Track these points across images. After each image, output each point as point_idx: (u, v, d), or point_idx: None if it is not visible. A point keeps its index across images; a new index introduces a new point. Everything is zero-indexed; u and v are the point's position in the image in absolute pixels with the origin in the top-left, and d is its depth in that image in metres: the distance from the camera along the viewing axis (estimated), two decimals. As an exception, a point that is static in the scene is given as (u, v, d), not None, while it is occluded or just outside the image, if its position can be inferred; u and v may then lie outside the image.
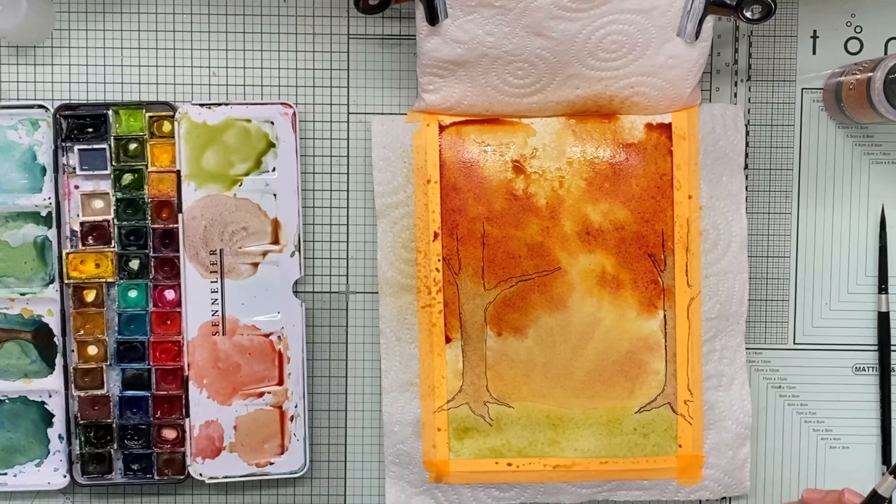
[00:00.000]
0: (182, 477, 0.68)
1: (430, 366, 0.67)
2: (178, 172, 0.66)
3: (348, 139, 0.69)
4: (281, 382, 0.68)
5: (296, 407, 0.68)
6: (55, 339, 0.67)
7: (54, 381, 0.67)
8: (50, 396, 0.67)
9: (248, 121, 0.67)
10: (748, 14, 0.62)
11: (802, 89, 0.69)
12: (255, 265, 0.67)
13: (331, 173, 0.69)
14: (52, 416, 0.67)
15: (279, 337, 0.67)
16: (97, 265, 0.67)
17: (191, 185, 0.66)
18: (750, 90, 0.69)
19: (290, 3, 0.68)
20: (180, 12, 0.68)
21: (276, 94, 0.68)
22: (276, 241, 0.67)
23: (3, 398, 0.67)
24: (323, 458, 0.70)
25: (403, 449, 0.68)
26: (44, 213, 0.66)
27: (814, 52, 0.69)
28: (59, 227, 0.66)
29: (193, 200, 0.66)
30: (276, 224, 0.67)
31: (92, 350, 0.67)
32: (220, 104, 0.66)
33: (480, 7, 0.61)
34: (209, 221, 0.67)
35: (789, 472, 0.70)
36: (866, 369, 0.70)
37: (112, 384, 0.67)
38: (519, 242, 0.67)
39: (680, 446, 0.67)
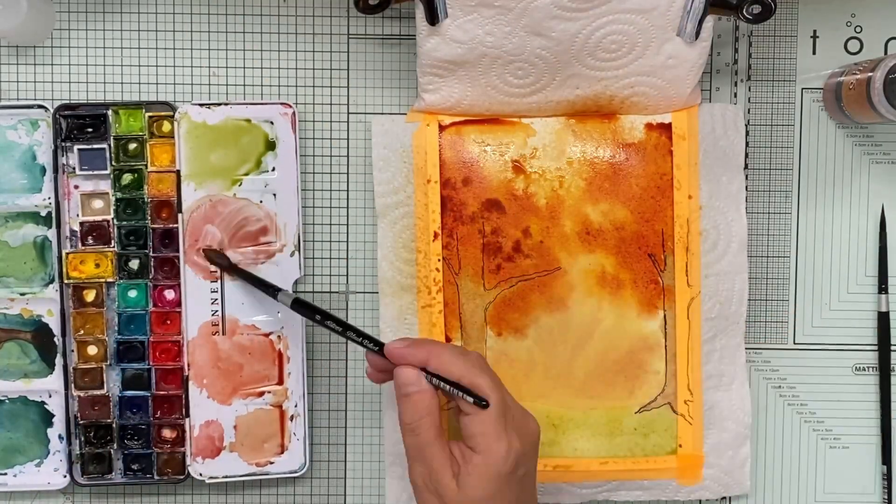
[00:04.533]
0: (182, 477, 0.68)
1: (430, 366, 0.67)
2: (178, 172, 0.66)
3: (348, 139, 0.69)
4: (281, 382, 0.68)
5: (296, 406, 0.68)
6: (55, 339, 0.67)
7: (54, 381, 0.67)
8: (50, 396, 0.67)
9: (248, 121, 0.67)
10: (748, 14, 0.62)
11: (802, 89, 0.69)
12: (255, 265, 0.67)
13: (331, 173, 0.69)
14: (52, 416, 0.67)
15: (279, 336, 0.67)
16: (97, 265, 0.67)
17: (190, 184, 0.66)
18: (750, 90, 0.69)
19: (290, 3, 0.68)
20: (180, 12, 0.68)
21: (276, 94, 0.68)
22: (275, 241, 0.67)
23: (3, 398, 0.67)
24: (323, 457, 0.70)
25: (404, 449, 0.68)
26: (43, 213, 0.66)
27: (814, 52, 0.69)
28: (58, 227, 0.66)
29: (193, 200, 0.66)
30: (275, 224, 0.67)
31: (92, 350, 0.67)
32: (220, 104, 0.66)
33: (480, 7, 0.61)
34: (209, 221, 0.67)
35: (789, 472, 0.70)
36: (866, 369, 0.70)
37: (112, 384, 0.67)
38: (519, 243, 0.67)
39: (680, 446, 0.67)
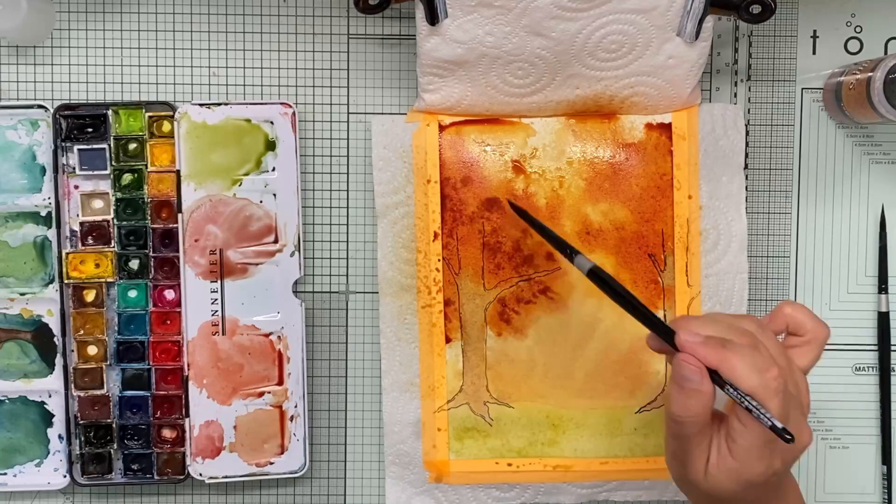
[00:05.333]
0: (182, 477, 0.68)
1: (430, 366, 0.67)
2: (178, 172, 0.66)
3: (348, 139, 0.69)
4: (281, 382, 0.68)
5: (296, 407, 0.68)
6: (55, 339, 0.67)
7: (54, 381, 0.67)
8: (50, 396, 0.67)
9: (248, 121, 0.67)
10: (748, 14, 0.62)
11: (802, 89, 0.69)
12: (255, 265, 0.67)
13: (331, 173, 0.69)
14: (52, 416, 0.67)
15: (279, 337, 0.67)
16: (97, 265, 0.67)
17: (190, 184, 0.66)
18: (750, 90, 0.69)
19: (290, 3, 0.68)
20: (180, 12, 0.68)
21: (276, 94, 0.68)
22: (275, 241, 0.67)
23: (3, 398, 0.67)
24: (323, 458, 0.70)
25: (403, 449, 0.68)
26: (43, 213, 0.66)
27: (814, 52, 0.69)
28: (58, 227, 0.66)
29: (193, 200, 0.66)
30: (275, 224, 0.67)
31: (92, 350, 0.67)
32: (220, 104, 0.66)
33: (480, 7, 0.61)
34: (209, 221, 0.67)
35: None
36: (866, 369, 0.70)
37: (112, 384, 0.67)
38: (519, 243, 0.67)
39: (680, 446, 0.67)
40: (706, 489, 0.53)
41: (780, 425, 0.50)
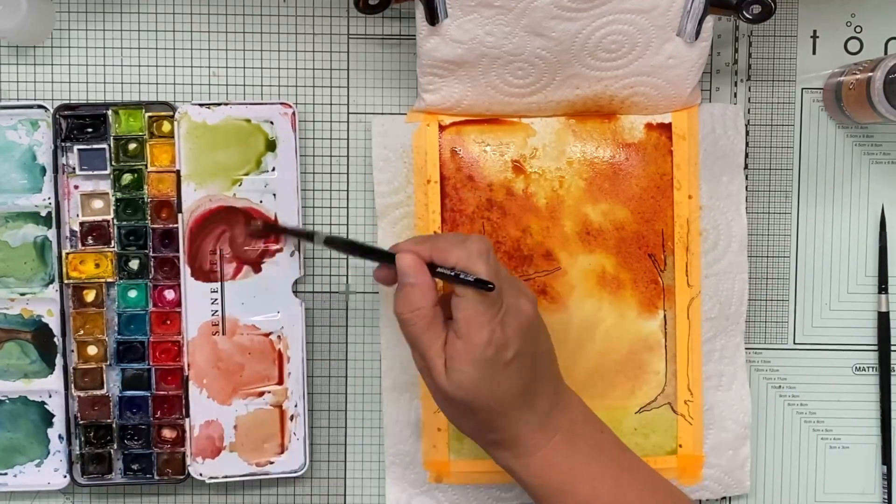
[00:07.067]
0: (182, 477, 0.68)
1: (430, 366, 0.67)
2: (178, 172, 0.66)
3: (348, 139, 0.69)
4: (281, 382, 0.68)
5: (296, 406, 0.68)
6: (55, 339, 0.67)
7: (54, 381, 0.67)
8: (50, 396, 0.67)
9: (248, 121, 0.67)
10: (748, 14, 0.62)
11: (802, 89, 0.69)
12: (255, 265, 0.67)
13: (331, 173, 0.69)
14: (52, 416, 0.67)
15: (279, 336, 0.67)
16: (97, 265, 0.67)
17: (190, 185, 0.66)
18: (750, 90, 0.69)
19: (290, 3, 0.68)
20: (180, 12, 0.68)
21: (276, 94, 0.68)
22: (276, 241, 0.67)
23: (3, 398, 0.67)
24: (323, 458, 0.70)
25: (404, 449, 0.68)
26: (43, 214, 0.66)
27: (814, 52, 0.69)
28: (58, 227, 0.66)
29: (193, 200, 0.66)
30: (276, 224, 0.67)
31: (92, 350, 0.67)
32: (219, 104, 0.66)
33: (480, 7, 0.61)
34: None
35: (789, 472, 0.70)
36: (866, 369, 0.70)
37: (112, 384, 0.67)
38: (519, 242, 0.67)
39: (680, 446, 0.67)
40: (452, 392, 0.55)
41: (481, 279, 0.54)
